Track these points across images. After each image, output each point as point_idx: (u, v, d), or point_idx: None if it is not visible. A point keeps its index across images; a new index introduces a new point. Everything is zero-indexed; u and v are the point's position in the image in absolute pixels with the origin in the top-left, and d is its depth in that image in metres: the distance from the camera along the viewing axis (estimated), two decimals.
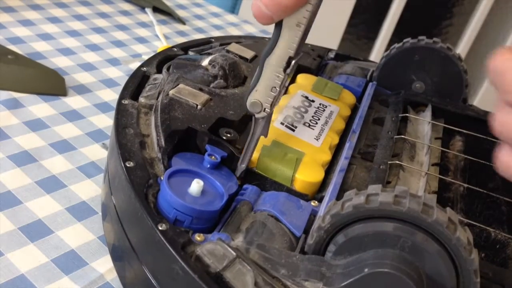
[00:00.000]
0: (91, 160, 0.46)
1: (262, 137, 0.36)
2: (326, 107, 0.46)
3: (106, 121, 0.52)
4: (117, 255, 0.36)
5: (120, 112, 0.39)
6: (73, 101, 0.53)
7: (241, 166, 0.37)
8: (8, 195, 0.40)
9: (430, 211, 0.27)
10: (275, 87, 0.33)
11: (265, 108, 0.34)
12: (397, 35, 1.63)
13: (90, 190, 0.43)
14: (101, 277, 0.36)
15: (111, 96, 0.56)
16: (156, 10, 0.78)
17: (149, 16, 0.77)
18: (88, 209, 0.41)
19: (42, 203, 0.41)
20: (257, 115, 0.34)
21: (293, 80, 0.51)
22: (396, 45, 0.53)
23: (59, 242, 0.38)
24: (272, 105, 0.34)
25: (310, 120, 0.44)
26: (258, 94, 0.33)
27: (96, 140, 0.49)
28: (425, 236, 0.27)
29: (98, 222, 0.40)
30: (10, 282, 0.34)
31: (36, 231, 0.38)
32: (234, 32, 0.82)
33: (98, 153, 0.48)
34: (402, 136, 0.45)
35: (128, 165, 0.33)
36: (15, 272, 0.35)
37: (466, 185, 0.43)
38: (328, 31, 1.43)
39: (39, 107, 0.51)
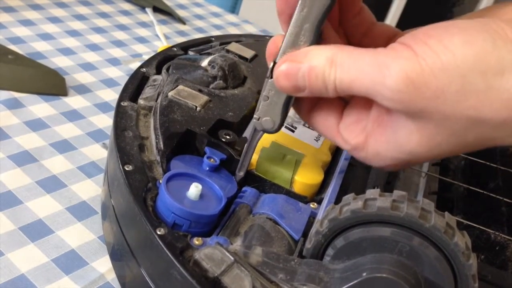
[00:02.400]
0: (91, 160, 0.47)
1: (261, 138, 0.36)
2: None
3: (106, 121, 0.52)
4: (116, 257, 0.36)
5: (119, 115, 0.39)
6: (74, 101, 0.53)
7: (239, 174, 0.37)
8: (8, 195, 0.40)
9: (428, 216, 0.27)
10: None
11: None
12: None
13: (91, 190, 0.43)
14: (102, 277, 0.36)
15: (111, 96, 0.56)
16: (156, 10, 0.78)
17: (149, 16, 0.76)
18: (89, 209, 0.42)
19: (43, 203, 0.41)
20: (270, 130, 0.34)
21: None
22: None
23: (60, 242, 0.38)
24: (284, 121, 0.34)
25: None
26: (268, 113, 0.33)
27: (96, 140, 0.49)
28: (423, 241, 0.27)
29: (98, 222, 0.41)
30: (10, 282, 0.34)
31: (36, 231, 0.38)
32: (234, 32, 0.82)
33: (98, 153, 0.48)
34: None
35: (127, 169, 0.33)
36: (15, 272, 0.35)
37: (466, 186, 0.43)
38: None
39: (40, 107, 0.51)
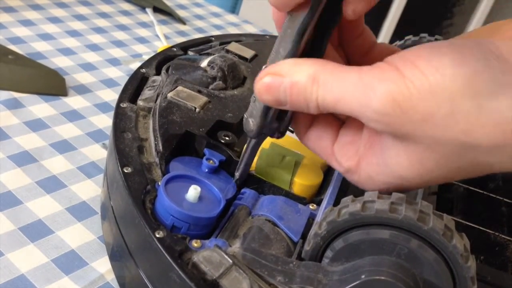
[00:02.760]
0: (91, 160, 0.47)
1: None
2: None
3: (106, 121, 0.52)
4: (115, 257, 0.36)
5: (119, 116, 0.39)
6: (73, 101, 0.53)
7: (236, 175, 0.37)
8: (8, 195, 0.40)
9: (426, 218, 0.27)
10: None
11: None
12: (397, 36, 1.62)
13: (90, 190, 0.43)
14: (101, 277, 0.37)
15: (111, 96, 0.56)
16: (156, 10, 0.78)
17: (149, 16, 0.76)
18: (88, 209, 0.42)
19: (42, 203, 0.41)
20: (248, 133, 0.33)
21: None
22: (398, 42, 0.53)
23: (59, 242, 0.38)
24: None
25: None
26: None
27: (96, 140, 0.49)
28: (422, 244, 0.27)
29: (98, 222, 0.41)
30: (10, 282, 0.34)
31: (36, 231, 0.38)
32: (235, 32, 0.82)
33: (98, 153, 0.48)
34: None
35: (125, 171, 0.33)
36: (15, 272, 0.35)
37: (466, 186, 0.43)
38: None
39: (40, 107, 0.51)
